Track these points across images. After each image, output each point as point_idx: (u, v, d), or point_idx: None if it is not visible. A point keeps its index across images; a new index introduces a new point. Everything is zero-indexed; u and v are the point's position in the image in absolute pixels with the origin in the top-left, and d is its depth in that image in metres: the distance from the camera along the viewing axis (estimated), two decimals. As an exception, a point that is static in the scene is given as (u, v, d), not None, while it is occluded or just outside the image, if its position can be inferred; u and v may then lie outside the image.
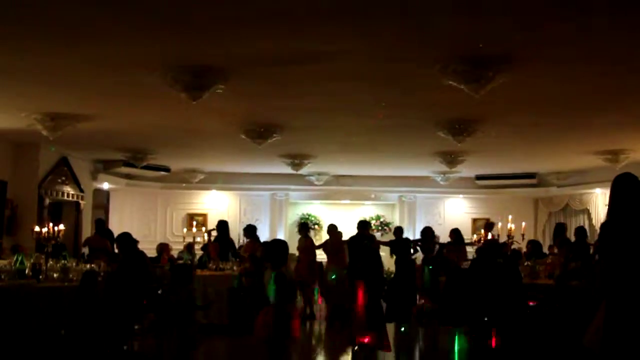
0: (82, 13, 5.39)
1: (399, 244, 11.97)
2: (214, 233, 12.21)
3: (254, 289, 9.11)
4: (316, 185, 17.55)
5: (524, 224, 12.79)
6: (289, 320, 5.98)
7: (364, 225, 11.92)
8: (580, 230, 10.81)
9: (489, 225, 13.35)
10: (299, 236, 12.78)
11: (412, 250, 11.79)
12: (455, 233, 12.70)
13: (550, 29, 5.78)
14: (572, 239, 10.98)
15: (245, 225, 12.52)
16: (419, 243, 12.13)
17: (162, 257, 11.49)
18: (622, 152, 12.38)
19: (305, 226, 13.15)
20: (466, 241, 13.48)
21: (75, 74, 7.38)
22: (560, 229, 11.81)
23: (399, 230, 12.86)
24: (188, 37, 6.05)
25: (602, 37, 5.99)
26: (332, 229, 12.70)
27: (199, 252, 12.58)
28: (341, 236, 12.61)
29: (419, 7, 5.23)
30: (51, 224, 10.11)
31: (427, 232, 12.15)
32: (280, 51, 6.44)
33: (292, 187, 18.04)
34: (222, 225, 12.12)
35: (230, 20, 5.56)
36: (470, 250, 14.42)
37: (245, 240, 12.20)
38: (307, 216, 19.00)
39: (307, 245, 12.44)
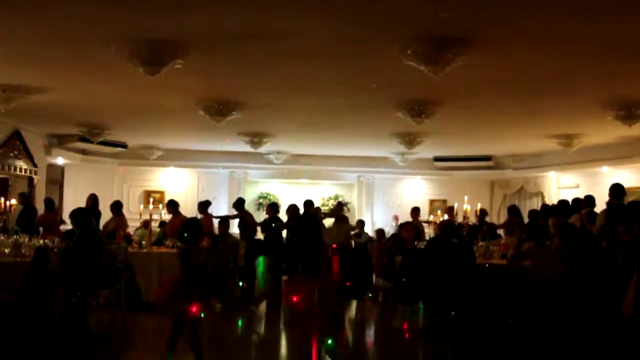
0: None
1: None
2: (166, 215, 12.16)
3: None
4: (275, 163, 17.51)
5: (479, 205, 13.02)
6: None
7: (308, 205, 12.25)
8: (533, 213, 11.30)
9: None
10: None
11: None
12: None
13: (509, 12, 5.85)
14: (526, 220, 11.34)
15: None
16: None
17: (117, 234, 11.33)
18: (575, 137, 12.65)
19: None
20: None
21: (27, 46, 7.18)
22: (514, 211, 12.14)
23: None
24: (145, 10, 5.92)
25: (561, 21, 6.08)
26: (293, 209, 12.38)
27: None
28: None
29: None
30: (2, 199, 9.90)
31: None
32: (241, 28, 6.36)
33: (251, 165, 17.96)
34: (174, 204, 12.05)
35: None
36: (428, 231, 14.67)
37: (201, 216, 12.16)
38: (265, 194, 18.98)
39: None
